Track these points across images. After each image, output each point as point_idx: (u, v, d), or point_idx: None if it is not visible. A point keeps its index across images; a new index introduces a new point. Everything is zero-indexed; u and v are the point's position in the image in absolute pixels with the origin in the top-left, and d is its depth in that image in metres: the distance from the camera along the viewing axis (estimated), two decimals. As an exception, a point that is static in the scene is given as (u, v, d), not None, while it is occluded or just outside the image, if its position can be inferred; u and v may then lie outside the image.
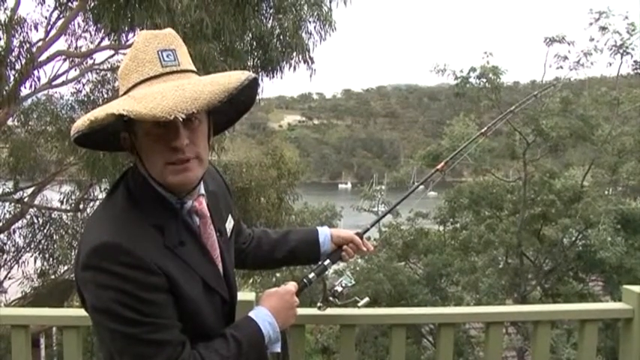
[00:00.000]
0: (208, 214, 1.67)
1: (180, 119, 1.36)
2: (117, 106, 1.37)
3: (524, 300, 15.56)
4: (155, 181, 1.52)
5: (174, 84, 1.45)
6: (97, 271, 1.40)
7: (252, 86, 1.55)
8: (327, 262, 2.07)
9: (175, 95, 1.37)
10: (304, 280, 1.99)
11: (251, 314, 1.70)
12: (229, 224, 1.81)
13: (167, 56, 1.50)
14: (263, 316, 1.69)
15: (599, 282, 17.09)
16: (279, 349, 1.75)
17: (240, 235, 1.93)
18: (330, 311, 2.21)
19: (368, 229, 2.30)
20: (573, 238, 16.25)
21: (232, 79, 1.48)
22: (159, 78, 1.48)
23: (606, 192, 16.10)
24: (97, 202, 13.71)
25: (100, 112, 1.38)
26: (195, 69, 1.59)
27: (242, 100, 1.62)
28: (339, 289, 2.12)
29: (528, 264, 16.98)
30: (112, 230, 1.44)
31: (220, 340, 1.57)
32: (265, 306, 1.73)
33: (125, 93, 1.50)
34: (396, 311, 2.73)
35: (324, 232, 2.12)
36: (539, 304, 14.45)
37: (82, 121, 1.41)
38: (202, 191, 1.66)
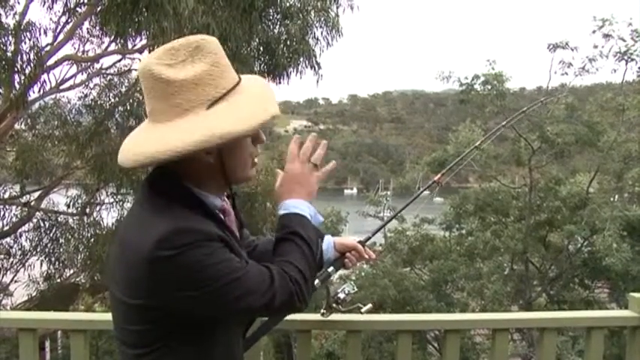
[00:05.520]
0: (232, 212, 1.76)
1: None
2: (271, 110, 1.56)
3: (530, 307, 15.52)
4: (195, 183, 1.58)
5: (260, 89, 1.65)
6: (170, 258, 1.44)
7: None
8: (330, 269, 2.09)
9: (273, 99, 1.63)
10: None
11: (282, 212, 1.78)
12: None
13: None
14: (293, 205, 1.78)
15: (605, 289, 17.05)
16: (321, 218, 1.85)
17: (241, 239, 1.95)
18: (336, 317, 2.22)
19: (369, 238, 2.33)
20: (579, 245, 16.21)
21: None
22: (237, 86, 1.57)
23: (612, 199, 16.06)
24: (104, 206, 13.76)
25: (262, 115, 1.53)
26: None
27: None
28: (342, 295, 2.15)
29: (534, 270, 16.96)
30: (170, 221, 1.47)
31: (284, 243, 1.70)
32: (286, 199, 1.80)
33: (222, 97, 1.53)
34: (402, 317, 2.73)
35: (327, 240, 2.13)
36: (544, 310, 14.42)
37: (250, 124, 1.51)
38: None
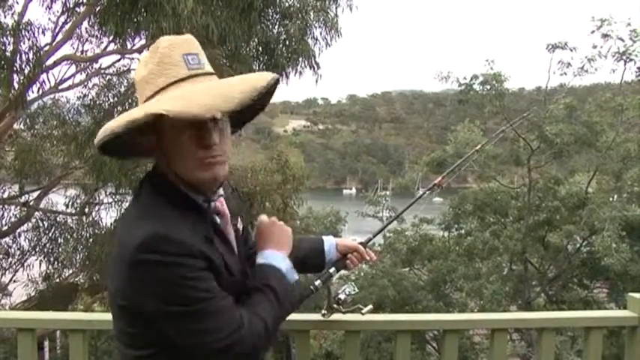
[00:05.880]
0: (228, 214, 1.73)
1: (217, 118, 1.46)
2: (156, 107, 1.41)
3: (529, 307, 15.52)
4: (183, 182, 1.57)
5: (205, 85, 1.53)
6: (149, 264, 1.45)
7: (271, 90, 1.63)
8: (332, 269, 2.11)
9: (211, 95, 1.46)
10: (310, 287, 2.02)
11: (260, 261, 1.76)
12: (239, 226, 1.84)
13: (192, 59, 1.55)
14: (272, 256, 1.76)
15: (604, 289, 17.05)
16: (297, 276, 1.81)
17: (248, 241, 1.96)
18: (335, 317, 2.23)
19: (371, 239, 2.34)
20: (578, 245, 16.22)
21: (260, 79, 1.56)
22: (186, 80, 1.52)
23: (611, 199, 16.06)
24: (103, 206, 13.75)
25: (138, 113, 1.42)
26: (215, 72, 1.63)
27: (259, 104, 1.69)
28: (343, 296, 2.17)
29: (533, 270, 16.96)
30: (154, 224, 1.48)
31: (257, 294, 1.65)
32: (266, 248, 1.79)
33: (153, 96, 1.53)
34: (401, 317, 2.73)
35: (329, 241, 2.15)
36: (543, 310, 14.42)
37: (116, 123, 1.45)
38: (221, 192, 1.71)
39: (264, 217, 1.88)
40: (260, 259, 1.76)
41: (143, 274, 1.46)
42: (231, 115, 1.64)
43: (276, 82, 1.61)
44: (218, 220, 1.67)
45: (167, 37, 1.59)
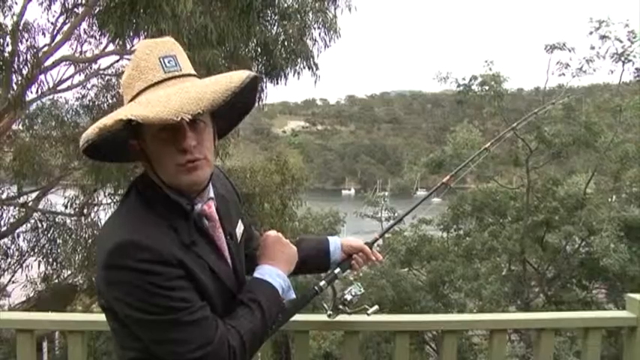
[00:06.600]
0: (217, 218, 1.69)
1: (187, 120, 1.41)
2: (124, 112, 1.41)
3: (527, 307, 15.52)
4: (165, 185, 1.55)
5: (177, 87, 1.49)
6: (122, 269, 1.45)
7: (253, 86, 1.60)
8: (337, 270, 2.10)
9: (180, 97, 1.43)
10: (315, 287, 2.02)
11: (255, 275, 1.75)
12: (239, 229, 1.83)
13: (168, 62, 1.54)
14: (269, 272, 1.75)
15: (603, 289, 17.04)
16: (294, 295, 1.82)
17: (251, 240, 1.96)
18: (337, 317, 2.22)
19: (377, 240, 2.32)
20: (576, 246, 16.21)
21: (234, 78, 1.52)
22: (162, 83, 1.52)
23: (609, 199, 16.07)
24: (101, 207, 13.75)
25: (107, 120, 1.43)
26: (195, 73, 1.62)
27: (243, 102, 1.66)
28: (349, 297, 2.16)
29: (531, 271, 16.95)
30: (130, 230, 1.48)
31: (242, 308, 1.63)
32: (265, 263, 1.78)
33: (130, 101, 1.54)
34: (400, 318, 2.73)
35: (334, 242, 2.14)
36: (542, 311, 14.41)
37: (91, 130, 1.45)
38: (211, 195, 1.69)
39: (271, 233, 1.87)
40: (256, 273, 1.75)
41: (115, 278, 1.47)
42: (225, 115, 1.65)
43: (254, 80, 1.58)
44: (206, 223, 1.65)
45: (146, 40, 1.60)
